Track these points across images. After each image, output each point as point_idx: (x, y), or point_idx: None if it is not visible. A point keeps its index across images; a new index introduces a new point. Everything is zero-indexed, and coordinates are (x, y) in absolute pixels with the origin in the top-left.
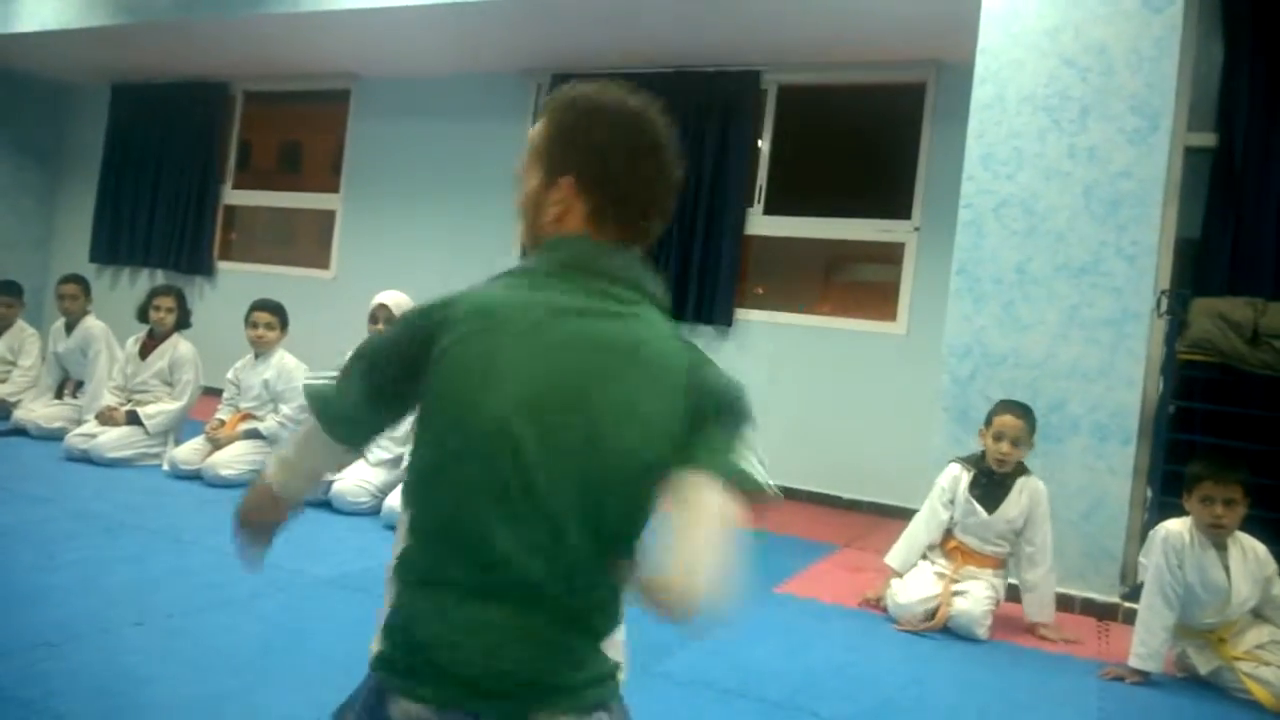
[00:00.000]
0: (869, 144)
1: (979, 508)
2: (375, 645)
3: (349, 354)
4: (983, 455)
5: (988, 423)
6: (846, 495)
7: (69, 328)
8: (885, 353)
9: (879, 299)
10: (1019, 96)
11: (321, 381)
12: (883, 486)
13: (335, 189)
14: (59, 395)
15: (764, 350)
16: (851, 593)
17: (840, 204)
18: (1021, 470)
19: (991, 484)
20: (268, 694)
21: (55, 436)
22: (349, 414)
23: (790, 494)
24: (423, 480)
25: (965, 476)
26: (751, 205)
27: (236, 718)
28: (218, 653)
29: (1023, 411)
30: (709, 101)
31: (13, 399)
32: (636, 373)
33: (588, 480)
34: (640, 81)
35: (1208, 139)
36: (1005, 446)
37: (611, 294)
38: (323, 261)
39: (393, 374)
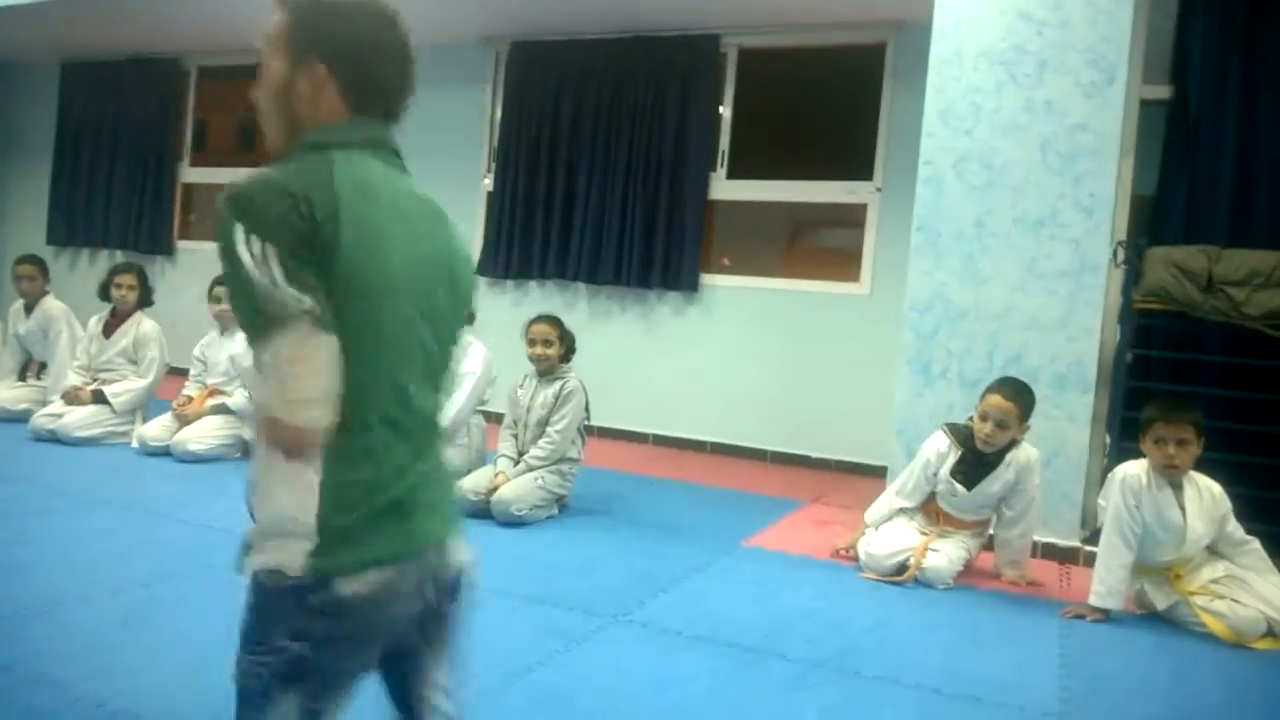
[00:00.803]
0: (830, 106)
1: (958, 487)
2: None
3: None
4: (971, 432)
5: (981, 399)
6: (815, 454)
7: (28, 309)
8: (849, 313)
9: (843, 261)
10: (976, 51)
11: None
12: (849, 444)
13: None
14: (22, 377)
15: (731, 315)
16: (819, 545)
17: (803, 167)
18: (1012, 443)
19: (976, 461)
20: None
21: (20, 419)
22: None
23: (759, 455)
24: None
25: (952, 456)
26: (714, 170)
27: (218, 676)
28: (195, 617)
29: (1014, 392)
30: (669, 66)
31: None
32: (453, 234)
33: (452, 331)
34: (600, 48)
35: (1163, 91)
36: (989, 428)
37: (403, 167)
38: None
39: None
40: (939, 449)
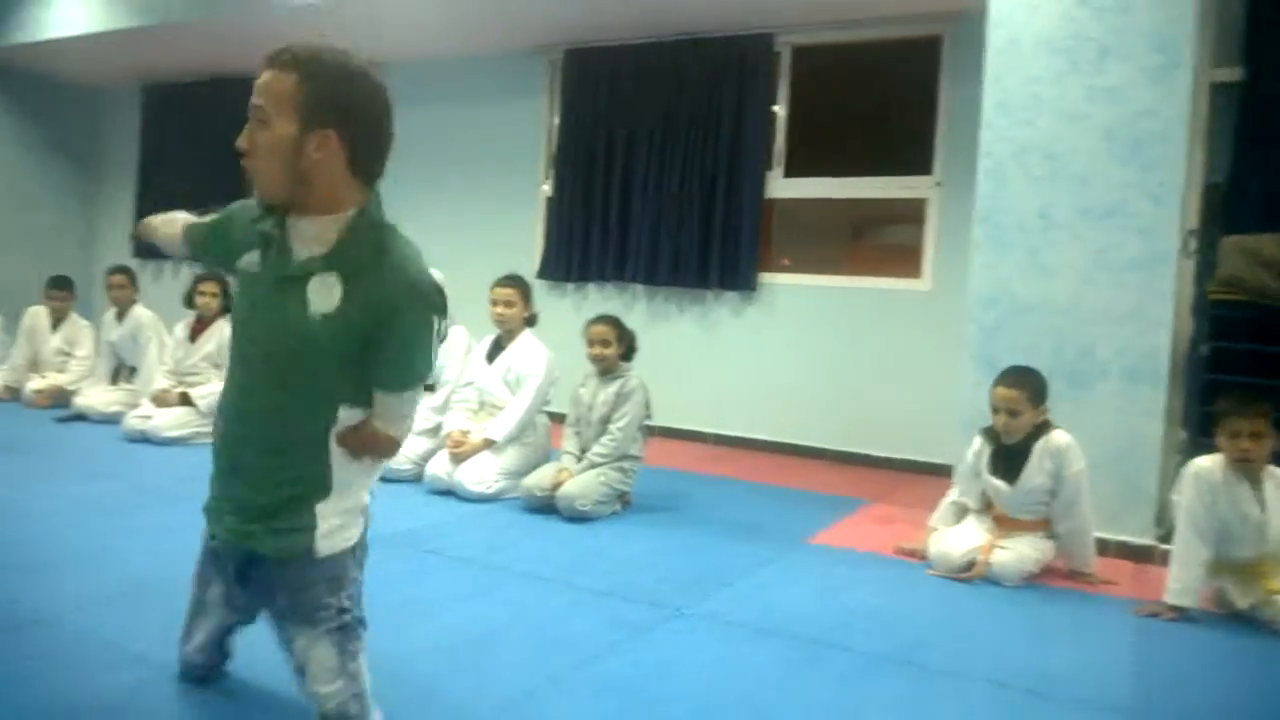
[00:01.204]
0: (887, 101)
1: (998, 482)
2: None
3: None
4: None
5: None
6: (877, 453)
7: (120, 316)
8: (911, 309)
9: (903, 257)
10: (1034, 39)
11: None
12: (912, 442)
13: None
14: (114, 381)
15: (789, 314)
16: (884, 543)
17: (861, 163)
18: (1040, 431)
19: (1009, 454)
20: None
21: (113, 420)
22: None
23: (819, 454)
24: None
25: (985, 451)
26: (771, 169)
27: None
28: None
29: (1016, 380)
30: (723, 67)
31: (72, 387)
32: None
33: None
34: (653, 51)
35: (1234, 74)
36: (1002, 419)
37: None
38: None
39: None
40: (975, 448)
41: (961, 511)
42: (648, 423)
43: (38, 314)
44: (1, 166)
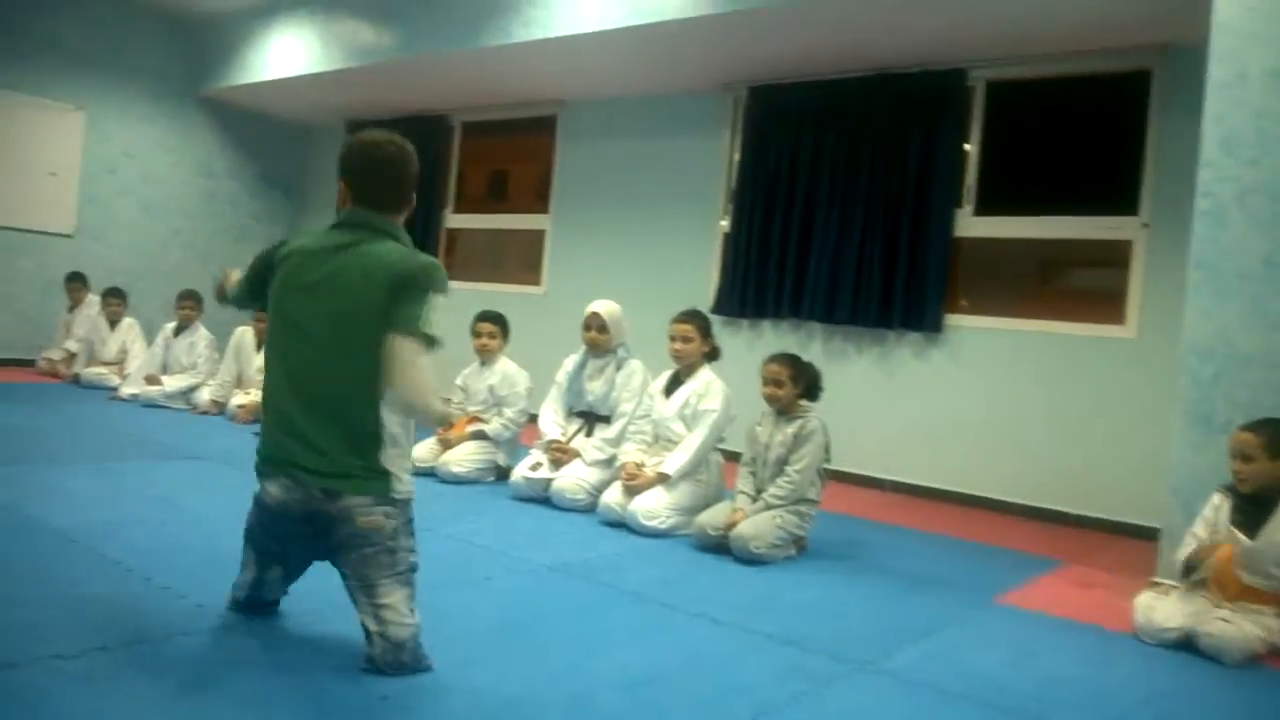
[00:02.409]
0: (1088, 137)
1: (1240, 535)
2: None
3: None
4: None
5: None
6: (1071, 510)
7: None
8: (1112, 358)
9: (1101, 301)
10: (1263, 72)
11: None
12: (1112, 501)
13: (538, 212)
14: None
15: (976, 358)
16: (1082, 609)
17: (1058, 202)
18: None
19: (1252, 506)
20: (506, 663)
21: None
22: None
23: (1006, 507)
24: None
25: (1225, 505)
26: (960, 206)
27: (481, 680)
28: (460, 625)
29: (1256, 425)
30: (912, 103)
31: None
32: (355, 269)
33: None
34: (840, 87)
35: None
36: (1237, 464)
37: (358, 232)
38: (534, 279)
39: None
40: (1213, 503)
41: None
42: (826, 466)
43: (245, 334)
44: (220, 198)
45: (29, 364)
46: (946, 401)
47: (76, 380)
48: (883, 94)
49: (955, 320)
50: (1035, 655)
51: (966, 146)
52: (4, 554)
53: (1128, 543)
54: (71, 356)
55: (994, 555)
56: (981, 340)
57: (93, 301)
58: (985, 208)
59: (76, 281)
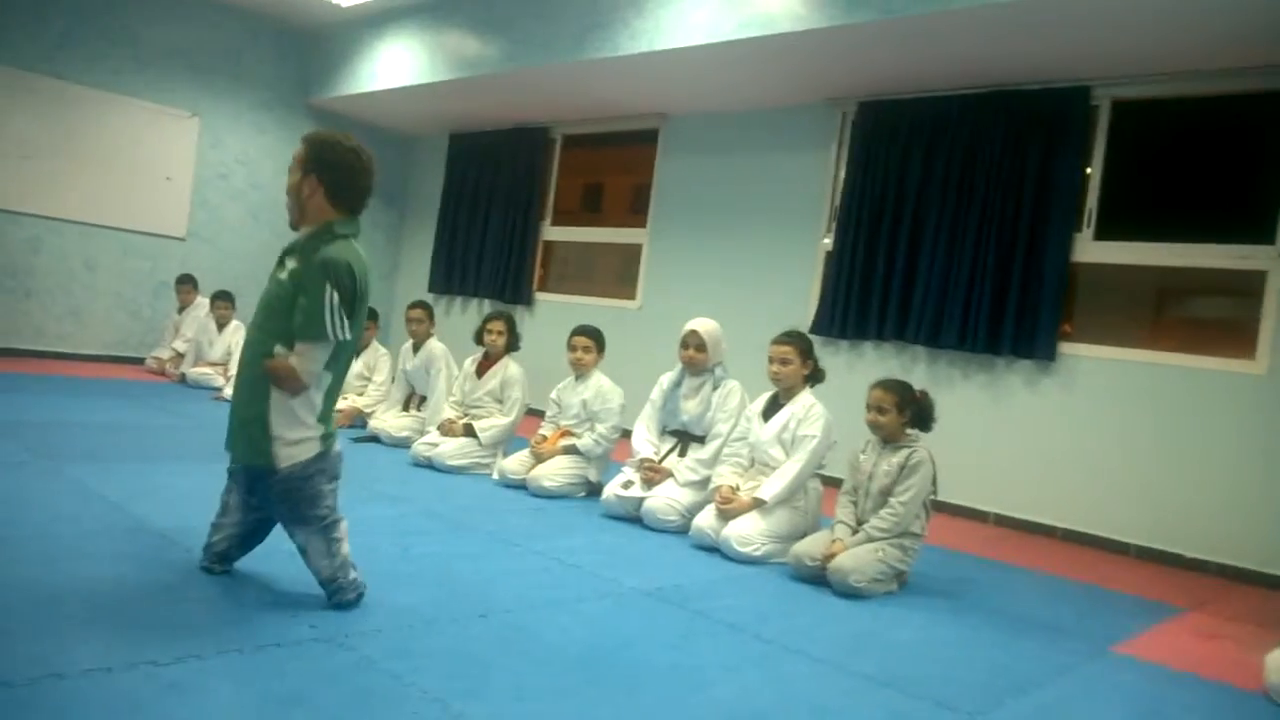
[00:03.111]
0: (1221, 161)
1: None
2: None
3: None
4: None
5: None
6: (1190, 554)
7: (415, 348)
8: (1239, 395)
9: (1227, 334)
10: None
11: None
12: (1236, 546)
13: (630, 225)
14: (405, 408)
15: (1091, 389)
16: (1207, 663)
17: (1184, 228)
18: None
19: None
20: (598, 694)
21: (403, 444)
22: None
23: (1119, 547)
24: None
25: None
26: (1079, 231)
27: (572, 713)
28: (550, 649)
29: None
30: (1030, 121)
31: (368, 410)
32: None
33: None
34: (953, 104)
35: None
36: None
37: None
38: (628, 292)
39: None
40: None
41: None
42: (932, 498)
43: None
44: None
45: (139, 362)
46: (1058, 433)
47: (182, 380)
48: (999, 111)
49: (1070, 349)
50: (1157, 714)
51: (1089, 169)
52: (109, 555)
53: (1252, 591)
54: (179, 356)
55: (1108, 599)
56: (1098, 370)
57: (201, 303)
58: (1106, 232)
59: (187, 284)
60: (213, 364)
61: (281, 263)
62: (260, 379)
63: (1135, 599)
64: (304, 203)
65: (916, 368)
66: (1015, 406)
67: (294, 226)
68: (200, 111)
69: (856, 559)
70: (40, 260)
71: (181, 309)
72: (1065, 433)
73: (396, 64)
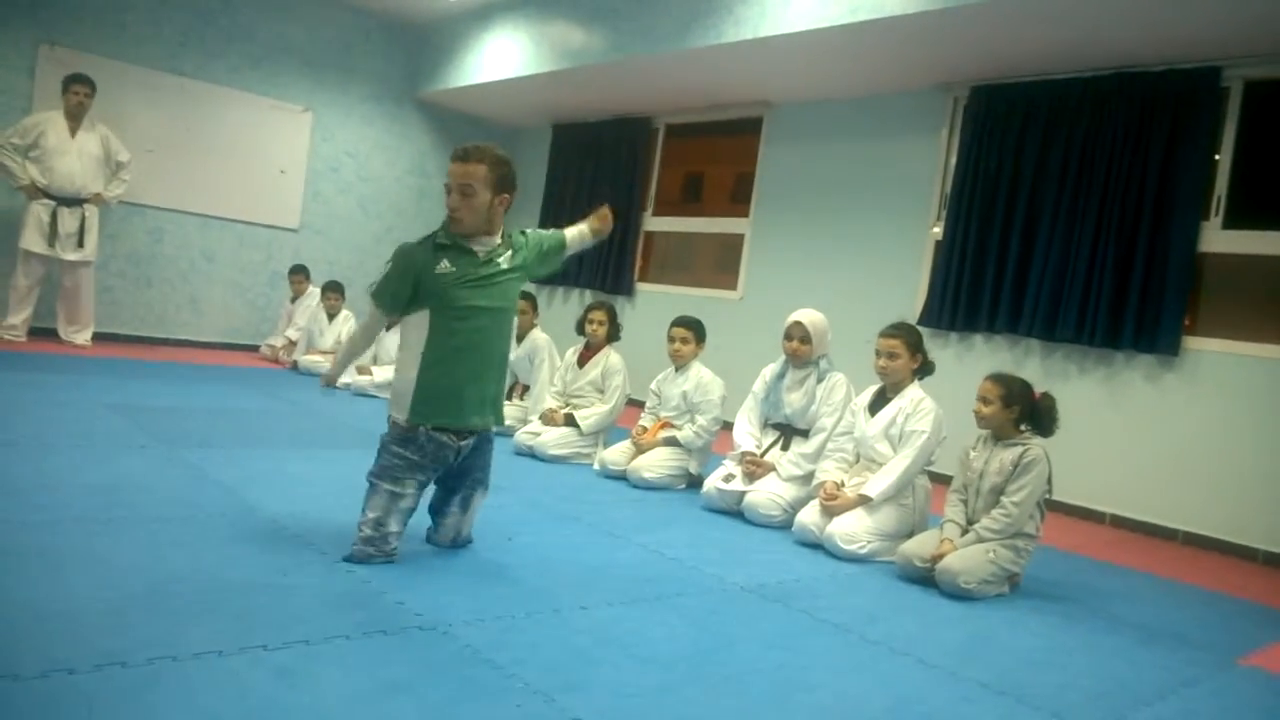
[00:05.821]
0: None
1: None
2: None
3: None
4: None
5: None
6: None
7: (519, 338)
8: None
9: None
10: None
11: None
12: None
13: (731, 214)
14: (510, 397)
15: (1218, 385)
16: None
17: None
18: None
19: None
20: (700, 693)
21: (506, 433)
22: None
23: (1247, 553)
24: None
25: None
26: (1207, 219)
27: (675, 712)
28: (652, 645)
29: None
30: (1154, 104)
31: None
32: None
33: None
34: (1072, 87)
35: None
36: None
37: None
38: (729, 283)
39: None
40: None
41: None
42: (1047, 498)
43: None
44: (431, 196)
45: (254, 349)
46: (1180, 431)
47: (294, 367)
48: (1120, 95)
49: (1195, 343)
50: None
51: (1218, 154)
52: (221, 539)
53: None
54: (291, 344)
55: (1234, 607)
56: (1224, 365)
57: (313, 293)
58: (1236, 221)
59: (299, 274)
60: (323, 352)
61: (491, 261)
62: (504, 358)
63: (1263, 608)
64: (493, 217)
65: (1029, 361)
66: (1134, 403)
67: (460, 234)
68: (313, 106)
69: (966, 560)
70: (162, 250)
71: (294, 298)
72: (1188, 431)
73: (501, 56)
